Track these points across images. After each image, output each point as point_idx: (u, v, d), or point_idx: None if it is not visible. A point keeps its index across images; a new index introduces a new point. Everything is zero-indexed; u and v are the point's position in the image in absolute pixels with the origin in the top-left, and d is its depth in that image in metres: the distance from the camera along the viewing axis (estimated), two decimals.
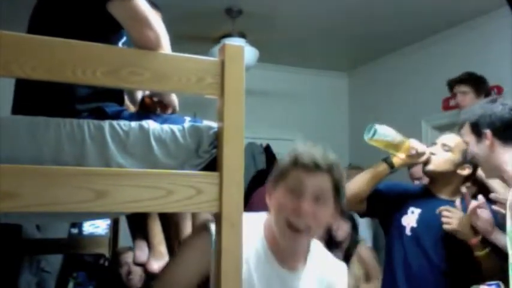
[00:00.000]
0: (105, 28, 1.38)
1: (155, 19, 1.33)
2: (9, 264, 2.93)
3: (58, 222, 3.11)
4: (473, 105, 2.27)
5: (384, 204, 2.27)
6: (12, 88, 1.50)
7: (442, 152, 2.21)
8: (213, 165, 1.26)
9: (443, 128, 4.15)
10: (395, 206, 2.26)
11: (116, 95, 1.49)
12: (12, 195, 1.04)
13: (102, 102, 1.39)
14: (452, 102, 3.70)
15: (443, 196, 2.23)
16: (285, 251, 1.44)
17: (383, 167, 2.21)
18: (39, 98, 1.37)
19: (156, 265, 1.81)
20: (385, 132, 2.15)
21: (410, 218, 2.21)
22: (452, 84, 3.55)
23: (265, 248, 1.44)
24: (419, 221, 2.18)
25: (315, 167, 1.39)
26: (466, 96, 3.44)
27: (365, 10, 4.01)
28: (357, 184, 2.21)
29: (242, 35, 4.22)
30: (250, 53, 4.03)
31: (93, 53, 1.15)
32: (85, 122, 1.24)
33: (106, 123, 1.26)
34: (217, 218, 1.22)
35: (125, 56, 1.20)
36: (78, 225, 3.73)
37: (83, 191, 1.10)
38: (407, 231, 2.19)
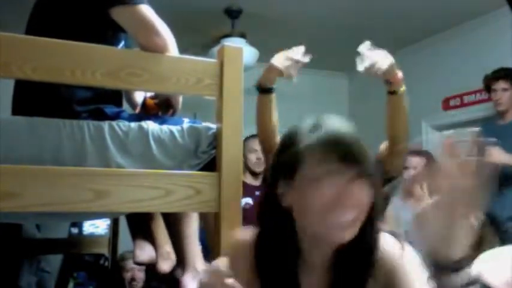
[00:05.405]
0: (104, 32, 1.37)
1: (162, 25, 1.32)
2: (9, 264, 2.93)
3: (58, 222, 3.11)
4: None
5: None
6: (12, 89, 1.51)
7: None
8: (211, 165, 1.26)
9: (443, 128, 4.15)
10: None
11: (115, 97, 1.49)
12: (13, 195, 1.05)
13: (101, 104, 1.39)
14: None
15: None
16: None
17: None
18: (39, 99, 1.37)
19: (166, 265, 1.76)
20: None
21: None
22: (490, 80, 3.53)
23: None
24: None
25: None
26: (506, 92, 3.45)
27: (365, 10, 4.02)
28: None
29: (242, 35, 4.21)
30: (250, 53, 4.02)
31: (92, 55, 1.16)
32: (85, 122, 1.25)
33: (106, 124, 1.26)
34: (216, 218, 1.22)
35: (124, 58, 1.21)
36: (78, 225, 3.73)
37: (83, 191, 1.11)
38: None
